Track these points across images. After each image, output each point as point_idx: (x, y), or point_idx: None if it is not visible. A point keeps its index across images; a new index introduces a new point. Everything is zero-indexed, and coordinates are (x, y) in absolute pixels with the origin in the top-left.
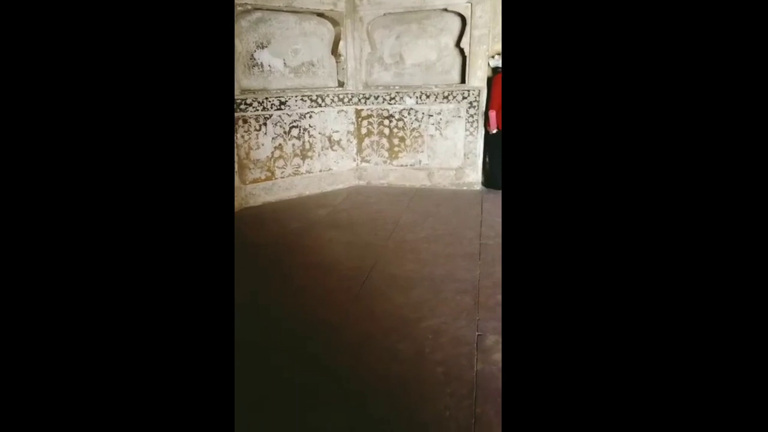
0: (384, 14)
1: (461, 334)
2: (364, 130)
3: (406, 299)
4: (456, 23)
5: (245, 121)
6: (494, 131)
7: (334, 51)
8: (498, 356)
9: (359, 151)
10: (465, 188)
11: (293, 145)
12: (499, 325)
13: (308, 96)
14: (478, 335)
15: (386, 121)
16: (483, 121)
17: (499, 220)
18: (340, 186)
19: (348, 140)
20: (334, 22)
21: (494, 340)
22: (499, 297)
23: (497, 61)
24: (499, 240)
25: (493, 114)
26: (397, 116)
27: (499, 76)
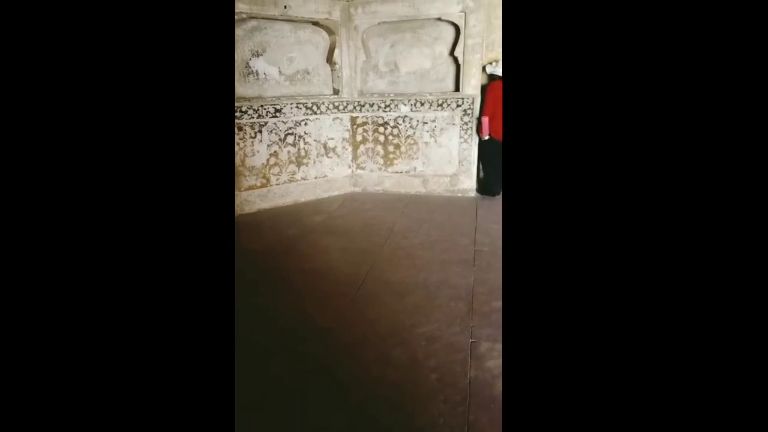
0: (379, 23)
1: (455, 340)
2: (359, 138)
3: (401, 305)
4: (450, 32)
5: (240, 129)
6: (486, 137)
7: (329, 59)
8: (491, 363)
9: (354, 158)
10: (460, 195)
11: (288, 152)
12: (492, 332)
13: (303, 103)
14: (472, 342)
15: (381, 129)
16: (476, 128)
17: (494, 226)
18: (336, 193)
19: (343, 147)
20: (329, 31)
21: (488, 347)
22: (494, 304)
23: (494, 68)
24: (494, 247)
25: (485, 120)
26: (392, 123)
27: (494, 84)
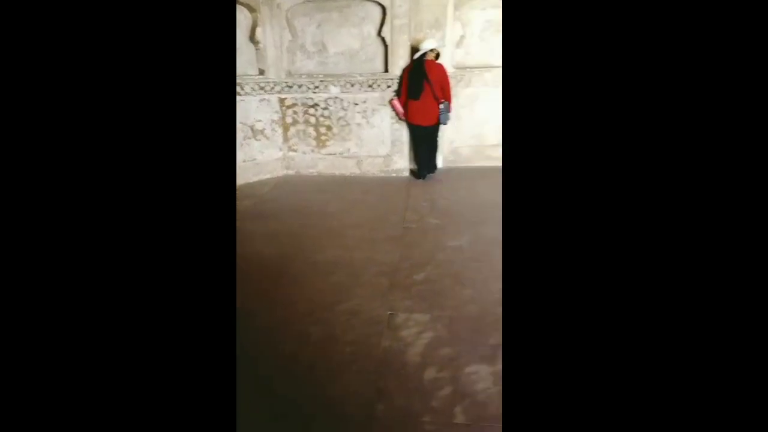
0: (303, 2)
1: (375, 314)
2: (289, 119)
3: (325, 284)
4: (377, 12)
5: None
6: (403, 119)
7: (252, 37)
8: (405, 333)
9: (285, 140)
10: (394, 175)
11: None
12: (411, 303)
13: None
14: (390, 314)
15: (311, 110)
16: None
17: (424, 204)
18: (267, 176)
19: (272, 129)
20: (251, 9)
21: (404, 318)
22: (415, 277)
23: (427, 46)
24: (421, 223)
25: (395, 103)
26: (322, 105)
27: (406, 68)
